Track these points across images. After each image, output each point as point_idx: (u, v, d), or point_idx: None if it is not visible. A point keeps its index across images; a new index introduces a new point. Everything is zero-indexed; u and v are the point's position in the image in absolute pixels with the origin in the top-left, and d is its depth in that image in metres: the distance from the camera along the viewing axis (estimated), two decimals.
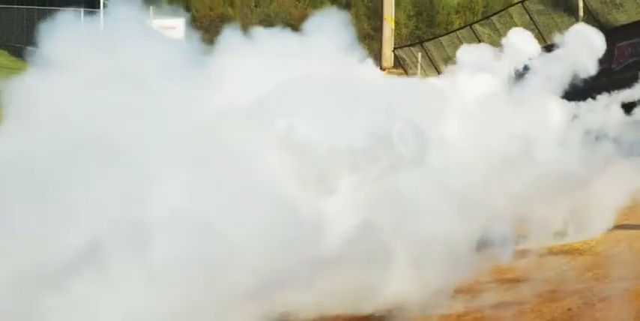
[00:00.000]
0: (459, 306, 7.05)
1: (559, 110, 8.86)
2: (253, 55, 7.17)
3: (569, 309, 6.78)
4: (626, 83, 9.51)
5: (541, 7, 27.96)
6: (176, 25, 6.59)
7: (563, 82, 8.79)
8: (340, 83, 7.14)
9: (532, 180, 7.93)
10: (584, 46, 8.80)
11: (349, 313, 6.87)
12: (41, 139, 5.79)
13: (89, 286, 5.31)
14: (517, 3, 31.02)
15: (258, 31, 7.48)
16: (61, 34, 6.40)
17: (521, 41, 8.98)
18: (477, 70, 8.59)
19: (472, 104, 8.02)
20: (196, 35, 7.14)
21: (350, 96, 7.03)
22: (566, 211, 8.83)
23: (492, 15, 32.45)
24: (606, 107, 9.03)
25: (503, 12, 31.21)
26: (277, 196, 6.18)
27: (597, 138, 8.83)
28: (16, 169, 5.61)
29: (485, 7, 53.62)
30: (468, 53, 8.89)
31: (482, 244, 7.80)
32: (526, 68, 8.91)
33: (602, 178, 8.71)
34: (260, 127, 6.43)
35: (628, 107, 9.11)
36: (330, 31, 7.55)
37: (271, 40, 7.41)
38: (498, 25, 29.60)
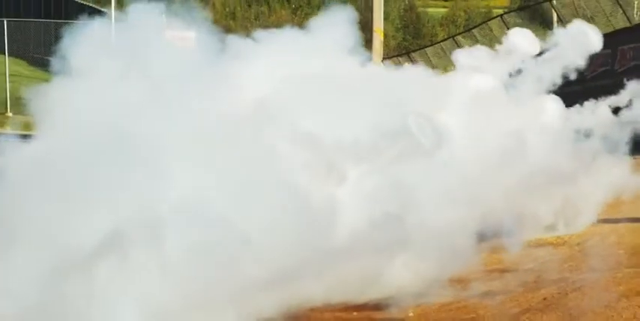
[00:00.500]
0: (447, 295, 7.02)
1: (552, 109, 8.84)
2: (265, 56, 7.12)
3: (544, 298, 6.78)
4: (599, 91, 9.55)
5: (518, 21, 28.05)
6: (188, 36, 6.60)
7: (558, 79, 8.78)
8: (347, 79, 7.11)
9: (525, 175, 7.90)
10: (580, 42, 8.80)
11: (345, 301, 6.85)
12: (73, 140, 5.83)
13: (117, 273, 5.34)
14: (496, 17, 31.13)
15: (265, 34, 7.43)
16: (82, 45, 6.41)
17: (521, 40, 8.90)
18: (474, 70, 8.50)
19: (470, 101, 7.91)
20: (216, 36, 7.04)
21: (356, 91, 7.00)
22: (556, 206, 8.79)
23: (473, 28, 32.54)
24: (595, 109, 9.04)
25: (483, 25, 31.33)
26: (290, 186, 6.14)
27: (586, 136, 8.83)
28: (52, 168, 5.67)
29: (467, 20, 53.72)
30: (467, 55, 8.82)
31: (484, 236, 7.80)
32: (520, 71, 8.86)
33: (589, 174, 8.71)
34: (273, 122, 6.37)
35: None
36: (337, 28, 7.45)
37: (280, 40, 7.34)
38: (479, 37, 29.67)
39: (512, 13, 30.08)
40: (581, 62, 8.79)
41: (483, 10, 56.07)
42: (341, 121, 6.56)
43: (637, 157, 9.41)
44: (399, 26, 55.83)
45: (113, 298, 5.32)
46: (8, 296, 5.35)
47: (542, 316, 6.35)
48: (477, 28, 31.32)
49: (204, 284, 5.57)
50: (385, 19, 38.58)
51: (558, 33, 9.02)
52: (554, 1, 26.41)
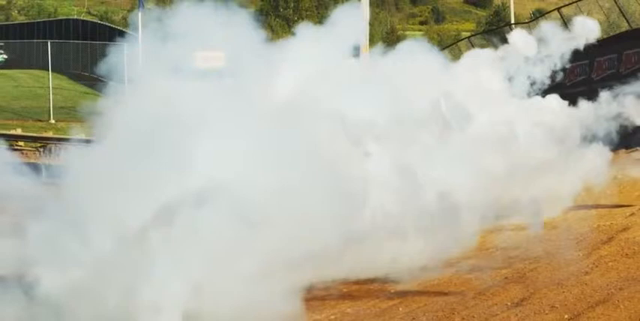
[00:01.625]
0: (433, 273, 6.93)
1: (554, 106, 8.76)
2: (291, 57, 7.05)
3: (505, 277, 6.79)
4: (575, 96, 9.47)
5: (483, 42, 28.04)
6: (218, 56, 6.60)
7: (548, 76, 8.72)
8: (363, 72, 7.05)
9: (521, 167, 7.83)
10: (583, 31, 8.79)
11: (342, 277, 6.78)
12: (131, 141, 5.86)
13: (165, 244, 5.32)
14: (464, 38, 31.17)
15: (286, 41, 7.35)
16: (122, 61, 6.40)
17: (521, 41, 8.81)
18: (477, 69, 8.39)
19: (474, 96, 7.76)
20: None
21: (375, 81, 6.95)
22: (540, 192, 8.63)
23: (445, 48, 32.51)
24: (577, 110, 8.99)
25: (453, 46, 31.36)
26: (328, 164, 6.08)
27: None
28: (114, 161, 5.73)
29: (439, 41, 53.76)
30: (470, 56, 8.75)
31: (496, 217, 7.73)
32: (519, 70, 8.77)
33: (573, 165, 8.63)
34: (311, 109, 6.30)
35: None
36: (348, 26, 7.33)
37: (299, 42, 7.24)
38: (449, 57, 29.67)
39: (478, 36, 30.17)
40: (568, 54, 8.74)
41: (453, 33, 56.28)
42: (369, 105, 6.47)
43: (632, 150, 9.34)
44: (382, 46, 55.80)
45: (163, 264, 5.29)
46: (81, 263, 5.48)
47: (504, 291, 6.35)
48: (448, 48, 31.35)
49: (249, 256, 5.47)
50: (370, 40, 38.49)
51: (546, 27, 8.92)
52: (514, 26, 26.45)
